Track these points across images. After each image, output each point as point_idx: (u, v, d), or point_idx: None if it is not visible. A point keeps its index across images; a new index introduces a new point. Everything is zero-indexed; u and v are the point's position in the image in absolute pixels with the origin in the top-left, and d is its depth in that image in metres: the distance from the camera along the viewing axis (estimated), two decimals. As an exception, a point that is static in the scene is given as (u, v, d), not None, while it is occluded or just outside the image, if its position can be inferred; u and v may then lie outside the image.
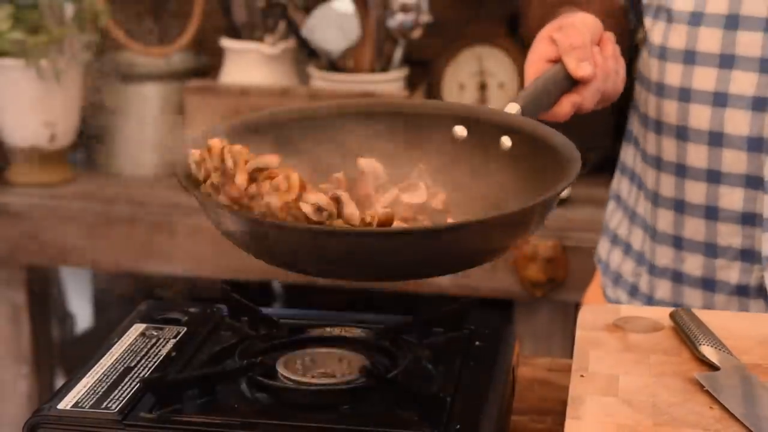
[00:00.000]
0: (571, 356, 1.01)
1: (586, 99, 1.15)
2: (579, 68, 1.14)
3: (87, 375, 0.97)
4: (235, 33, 2.27)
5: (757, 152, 1.26)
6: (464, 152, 1.08)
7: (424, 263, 0.92)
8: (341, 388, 0.95)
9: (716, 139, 1.28)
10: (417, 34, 2.23)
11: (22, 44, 2.19)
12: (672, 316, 1.06)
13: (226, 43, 2.29)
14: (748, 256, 1.30)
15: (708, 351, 0.99)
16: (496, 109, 1.09)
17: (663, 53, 1.31)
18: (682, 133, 1.31)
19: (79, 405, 0.92)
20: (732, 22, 1.25)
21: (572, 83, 1.15)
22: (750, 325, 1.06)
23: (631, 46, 1.41)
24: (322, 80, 2.24)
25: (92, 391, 0.94)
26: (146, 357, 1.00)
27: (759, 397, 0.93)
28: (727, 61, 1.26)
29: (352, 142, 1.07)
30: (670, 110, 1.31)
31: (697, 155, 1.30)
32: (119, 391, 0.94)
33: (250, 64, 2.26)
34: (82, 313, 2.91)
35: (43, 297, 2.40)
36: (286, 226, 0.91)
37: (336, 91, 2.19)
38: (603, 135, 2.12)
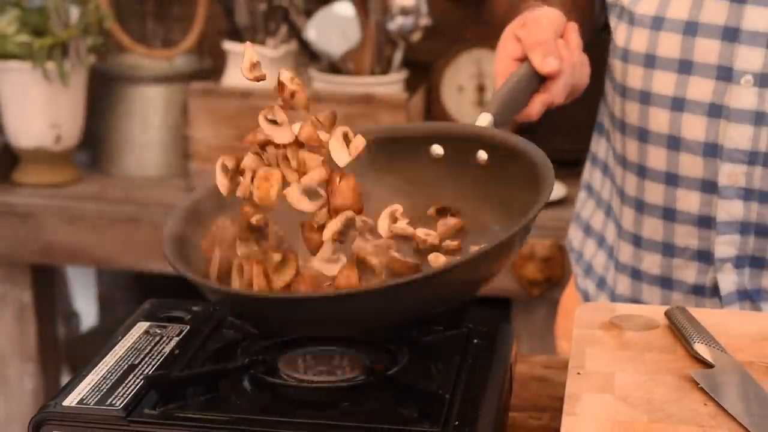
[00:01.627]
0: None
1: (555, 95, 1.15)
2: (545, 64, 1.14)
3: (92, 372, 0.97)
4: (238, 36, 2.27)
5: (712, 158, 1.26)
6: (441, 170, 1.07)
7: (404, 310, 0.92)
8: (342, 385, 0.95)
9: (674, 143, 1.28)
10: (416, 37, 2.23)
11: (28, 47, 2.20)
12: (667, 314, 1.06)
13: (229, 45, 2.29)
14: (705, 257, 1.30)
15: (702, 349, 0.99)
16: (470, 124, 1.09)
17: (625, 55, 1.30)
18: (643, 135, 1.31)
19: (84, 402, 0.92)
20: (691, 28, 1.25)
21: (540, 80, 1.15)
22: (744, 323, 1.07)
23: (594, 30, 1.39)
24: (323, 82, 2.25)
25: (97, 389, 0.94)
26: (150, 355, 1.01)
27: (753, 395, 0.94)
28: (685, 67, 1.26)
29: None
30: (632, 112, 1.31)
31: (657, 158, 1.30)
32: (123, 389, 0.94)
33: (253, 66, 2.27)
34: (87, 311, 2.92)
35: (48, 296, 2.41)
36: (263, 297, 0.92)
37: (336, 93, 2.20)
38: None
